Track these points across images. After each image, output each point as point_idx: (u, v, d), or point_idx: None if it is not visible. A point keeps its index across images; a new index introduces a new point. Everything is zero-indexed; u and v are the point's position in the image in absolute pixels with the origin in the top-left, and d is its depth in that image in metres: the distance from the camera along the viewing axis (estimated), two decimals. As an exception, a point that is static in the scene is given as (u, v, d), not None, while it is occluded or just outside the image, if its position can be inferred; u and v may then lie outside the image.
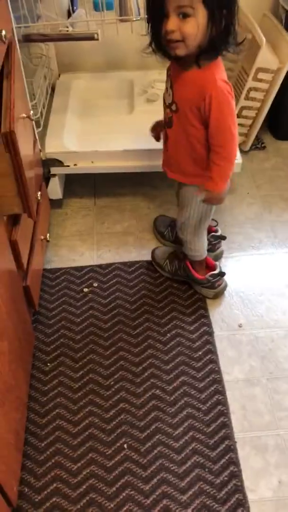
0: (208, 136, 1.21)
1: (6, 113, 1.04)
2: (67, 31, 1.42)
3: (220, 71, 1.16)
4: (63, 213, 1.87)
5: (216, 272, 1.52)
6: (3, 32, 1.06)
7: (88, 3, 1.55)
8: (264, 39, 1.74)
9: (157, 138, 1.45)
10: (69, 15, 1.47)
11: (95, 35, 1.40)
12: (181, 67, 1.17)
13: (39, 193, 1.42)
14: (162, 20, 1.07)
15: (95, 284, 1.60)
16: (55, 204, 1.84)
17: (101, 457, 1.21)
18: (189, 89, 1.17)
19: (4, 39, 1.07)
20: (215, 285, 1.53)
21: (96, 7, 1.51)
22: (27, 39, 1.45)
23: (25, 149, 1.16)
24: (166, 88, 1.25)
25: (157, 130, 1.43)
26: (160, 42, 1.12)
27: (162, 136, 1.37)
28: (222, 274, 1.54)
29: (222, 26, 1.07)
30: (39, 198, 1.42)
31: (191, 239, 1.47)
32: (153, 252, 1.65)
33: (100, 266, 1.66)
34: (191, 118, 1.20)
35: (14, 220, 1.24)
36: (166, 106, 1.26)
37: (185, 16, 1.04)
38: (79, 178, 1.92)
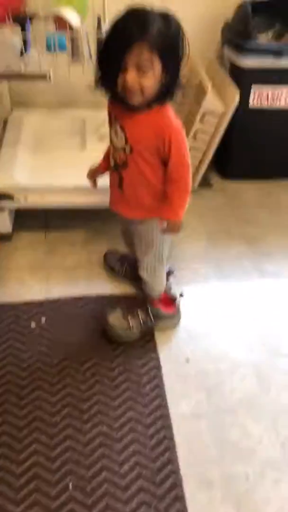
0: (166, 170, 1.26)
1: None
2: (20, 71, 1.45)
3: (170, 110, 1.22)
4: (12, 246, 1.86)
5: (178, 299, 1.58)
6: None
7: (40, 45, 1.59)
8: (209, 85, 1.85)
9: (95, 184, 1.50)
10: (21, 55, 1.51)
11: (48, 75, 1.44)
12: (131, 110, 1.21)
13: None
14: (117, 71, 1.11)
15: (43, 319, 1.59)
16: (4, 238, 1.84)
17: (45, 497, 1.18)
18: (146, 132, 1.21)
19: None
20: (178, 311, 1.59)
21: (48, 49, 1.56)
22: (-21, 76, 1.47)
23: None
24: (115, 131, 1.27)
25: (95, 176, 1.49)
26: (112, 88, 1.16)
27: (110, 179, 1.40)
28: (181, 294, 1.62)
29: (173, 77, 1.14)
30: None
31: (160, 273, 1.49)
32: (109, 325, 1.53)
33: (49, 300, 1.66)
34: (148, 158, 1.25)
35: None
36: (118, 149, 1.28)
37: (143, 69, 1.09)
38: (30, 211, 1.93)
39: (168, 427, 1.34)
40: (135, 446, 1.29)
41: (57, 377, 1.43)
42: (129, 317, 1.53)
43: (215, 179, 2.25)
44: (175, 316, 1.60)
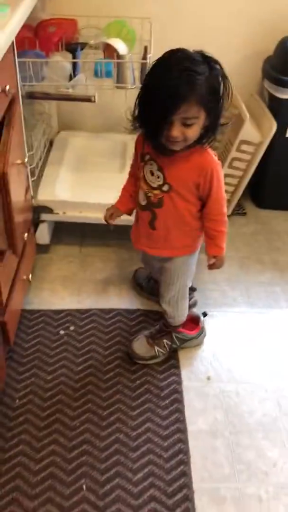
0: (205, 207, 1.31)
1: (0, 156, 1.14)
2: (67, 92, 1.56)
3: (208, 148, 1.25)
4: (48, 258, 1.94)
5: (202, 319, 1.62)
6: (7, 87, 1.18)
7: (89, 70, 1.71)
8: (247, 114, 1.91)
9: (113, 224, 1.51)
10: (70, 79, 1.63)
11: (92, 98, 1.54)
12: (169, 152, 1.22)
13: (26, 234, 1.50)
14: (162, 125, 1.12)
15: (72, 328, 1.65)
16: (42, 249, 1.93)
17: (59, 496, 1.22)
18: (187, 171, 1.25)
19: (7, 93, 1.19)
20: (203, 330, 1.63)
21: (96, 74, 1.67)
22: (31, 96, 1.59)
23: (16, 191, 1.26)
24: (151, 171, 1.28)
25: (113, 218, 1.49)
26: (155, 135, 1.17)
27: (139, 217, 1.40)
28: (204, 314, 1.66)
29: (214, 122, 1.17)
30: (25, 238, 1.49)
31: (182, 306, 1.52)
32: (135, 353, 1.55)
33: (78, 310, 1.72)
34: (186, 195, 1.29)
35: (-2, 257, 1.31)
36: (154, 188, 1.30)
37: (188, 124, 1.12)
38: (67, 226, 2.02)
39: (184, 441, 1.35)
40: (150, 456, 1.31)
41: (80, 383, 1.48)
42: (154, 344, 1.55)
43: (249, 208, 2.29)
44: (200, 336, 1.62)
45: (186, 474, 1.28)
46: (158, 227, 1.36)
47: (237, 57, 2.11)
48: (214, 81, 1.12)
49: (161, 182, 1.28)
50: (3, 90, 1.18)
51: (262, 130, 1.99)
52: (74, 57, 1.64)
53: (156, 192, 1.31)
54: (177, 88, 1.07)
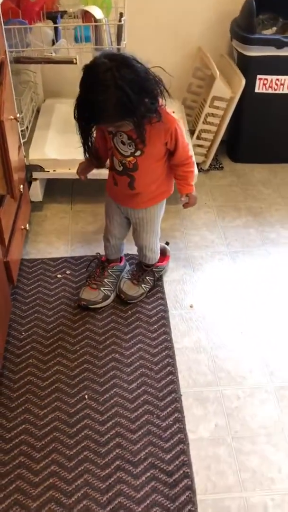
0: (174, 157, 1.47)
1: (-3, 108, 1.30)
2: (51, 56, 1.72)
3: (165, 108, 1.37)
4: (42, 215, 2.11)
5: (168, 250, 1.84)
6: (-2, 49, 1.34)
7: (69, 37, 1.86)
8: (218, 72, 2.08)
9: (86, 178, 1.65)
10: (53, 44, 1.78)
11: (74, 60, 1.70)
12: None
13: (21, 186, 1.67)
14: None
15: (68, 272, 1.84)
16: (36, 207, 2.10)
17: (65, 405, 1.41)
18: (153, 134, 1.38)
19: (-2, 53, 1.35)
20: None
21: (76, 40, 1.82)
22: (17, 61, 1.74)
23: (11, 144, 1.42)
24: (123, 142, 1.41)
25: (85, 173, 1.63)
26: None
27: (117, 181, 1.53)
28: (167, 243, 1.87)
29: (148, 107, 1.28)
30: (21, 190, 1.66)
31: (158, 245, 1.70)
32: (124, 294, 1.69)
33: (73, 257, 1.90)
34: (157, 154, 1.46)
35: (-1, 202, 1.48)
36: (127, 156, 1.43)
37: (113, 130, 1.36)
38: (58, 186, 2.19)
39: (172, 356, 1.55)
40: (142, 370, 1.51)
41: (78, 316, 1.67)
42: (139, 283, 1.73)
43: (226, 163, 2.46)
44: (168, 263, 1.85)
45: (174, 381, 1.48)
46: (137, 186, 1.51)
47: (207, 20, 2.25)
48: (129, 92, 1.20)
49: (133, 150, 1.42)
50: (-6, 51, 1.34)
51: (232, 87, 2.15)
52: (55, 24, 1.78)
53: (129, 159, 1.45)
54: (90, 113, 1.28)
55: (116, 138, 1.43)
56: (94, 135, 1.39)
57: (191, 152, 1.50)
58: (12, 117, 1.47)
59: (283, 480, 1.27)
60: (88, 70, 1.25)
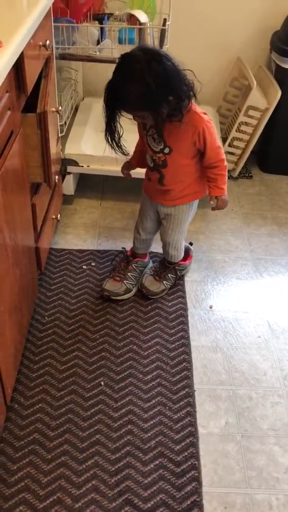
0: (204, 158, 1.50)
1: (42, 99, 1.37)
2: (95, 54, 1.78)
3: (196, 107, 1.44)
4: (72, 208, 2.18)
5: (191, 249, 1.88)
6: (47, 42, 1.41)
7: (114, 38, 1.92)
8: (255, 82, 2.12)
9: (130, 176, 1.74)
10: (98, 44, 1.85)
11: (116, 60, 1.75)
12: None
13: (57, 177, 1.73)
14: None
15: (93, 264, 1.89)
16: (67, 200, 2.16)
17: (81, 389, 1.46)
18: (182, 133, 1.44)
19: (47, 47, 1.41)
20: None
21: (120, 41, 1.89)
22: (63, 57, 1.81)
23: (51, 135, 1.48)
24: (154, 138, 1.48)
25: (128, 170, 1.73)
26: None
27: (150, 177, 1.61)
28: (191, 244, 1.91)
29: (174, 105, 1.33)
30: (56, 181, 1.72)
31: (182, 245, 1.75)
32: (146, 289, 1.74)
33: (98, 251, 1.96)
34: (186, 152, 1.50)
35: (35, 190, 1.54)
36: (157, 152, 1.50)
37: (137, 118, 1.40)
38: (90, 182, 2.25)
39: (188, 353, 1.58)
40: (158, 363, 1.55)
41: (100, 306, 1.72)
42: (161, 280, 1.77)
43: (255, 172, 2.50)
44: (191, 263, 1.89)
45: (188, 377, 1.51)
46: (167, 183, 1.57)
47: (248, 32, 2.30)
48: (152, 82, 1.26)
49: (162, 146, 1.48)
50: (44, 45, 1.41)
51: (268, 98, 2.19)
52: (101, 25, 1.85)
53: (159, 155, 1.51)
54: (113, 98, 1.36)
55: (149, 135, 1.49)
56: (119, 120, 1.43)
57: (223, 155, 1.54)
58: (54, 109, 1.53)
59: (288, 481, 1.29)
60: (123, 58, 1.34)
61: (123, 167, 1.74)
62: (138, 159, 1.67)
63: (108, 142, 1.48)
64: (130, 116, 1.42)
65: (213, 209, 1.65)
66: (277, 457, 1.33)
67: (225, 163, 1.56)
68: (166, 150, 1.49)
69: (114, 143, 1.48)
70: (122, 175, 1.77)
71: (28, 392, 1.44)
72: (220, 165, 1.55)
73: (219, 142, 1.54)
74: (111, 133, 1.45)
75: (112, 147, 1.49)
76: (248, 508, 1.23)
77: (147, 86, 1.26)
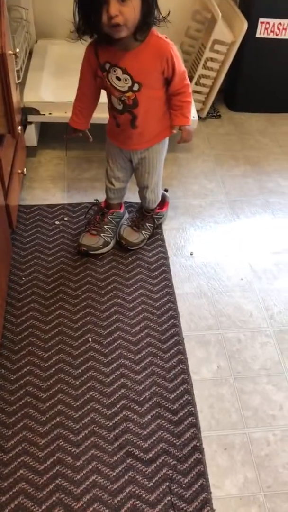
0: (171, 85, 1.39)
1: (-1, 39, 1.23)
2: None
3: (157, 33, 1.32)
4: (36, 161, 2.06)
5: (167, 196, 1.82)
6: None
7: None
8: (220, 14, 2.00)
9: (89, 138, 1.58)
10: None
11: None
12: (123, 49, 1.29)
13: (19, 127, 1.61)
14: (100, 8, 1.16)
15: (66, 219, 1.81)
16: (30, 152, 2.04)
17: (69, 347, 1.42)
18: (150, 61, 1.32)
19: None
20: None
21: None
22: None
23: (11, 80, 1.36)
24: (118, 77, 1.34)
25: (77, 135, 1.56)
26: (97, 29, 1.22)
27: (119, 121, 1.46)
28: (166, 190, 1.85)
29: (150, 4, 1.21)
30: (19, 131, 1.60)
31: (159, 188, 1.68)
32: (125, 240, 1.68)
33: (70, 204, 1.87)
34: (155, 84, 1.38)
35: (-1, 143, 1.43)
36: (125, 91, 1.36)
37: (124, 1, 1.16)
38: (52, 131, 2.13)
39: (173, 301, 1.56)
40: (145, 314, 1.52)
41: (79, 262, 1.66)
42: (140, 230, 1.72)
43: (223, 111, 2.42)
44: (167, 210, 1.84)
45: (176, 325, 1.49)
46: (139, 124, 1.45)
47: None
48: None
49: (130, 84, 1.35)
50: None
51: (234, 30, 2.09)
52: None
53: (128, 94, 1.37)
54: None
55: (111, 75, 1.35)
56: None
57: (188, 80, 1.43)
58: (11, 52, 1.40)
59: (284, 417, 1.31)
60: None
61: (69, 135, 1.57)
62: (84, 123, 1.52)
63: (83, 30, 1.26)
64: None
65: (178, 141, 1.54)
66: (271, 395, 1.35)
67: (190, 89, 1.45)
68: (135, 87, 1.36)
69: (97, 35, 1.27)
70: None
71: (14, 356, 1.39)
72: (186, 91, 1.43)
73: (183, 66, 1.42)
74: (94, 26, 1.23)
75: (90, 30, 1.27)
76: (247, 447, 1.25)
77: None
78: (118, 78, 1.36)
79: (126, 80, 1.35)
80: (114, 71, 1.34)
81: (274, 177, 2.08)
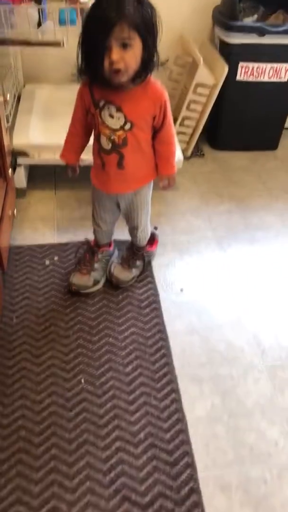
0: (160, 133, 1.43)
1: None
2: (37, 38, 1.69)
3: (154, 79, 1.37)
4: (26, 202, 2.09)
5: (156, 234, 1.84)
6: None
7: (55, 20, 1.83)
8: (201, 58, 2.09)
9: (76, 172, 1.60)
10: (38, 26, 1.74)
11: (61, 43, 1.67)
12: (121, 89, 1.32)
13: (10, 170, 1.64)
14: (103, 53, 1.20)
15: (56, 258, 1.82)
16: (20, 193, 2.06)
17: (61, 388, 1.41)
18: (144, 104, 1.36)
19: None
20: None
21: (61, 22, 1.79)
22: (1, 42, 1.70)
23: (2, 126, 1.40)
24: (111, 115, 1.36)
25: (73, 168, 1.59)
26: (98, 73, 1.25)
27: (105, 161, 1.46)
28: (155, 228, 1.87)
29: (151, 51, 1.25)
30: (10, 174, 1.63)
31: (148, 226, 1.70)
32: (115, 278, 1.70)
33: (60, 244, 1.89)
34: (145, 128, 1.41)
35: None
36: (116, 129, 1.38)
37: (125, 46, 1.19)
38: (41, 173, 2.16)
39: (165, 339, 1.56)
40: (137, 353, 1.51)
41: (69, 301, 1.66)
42: (130, 267, 1.73)
43: (207, 150, 2.49)
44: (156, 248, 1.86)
45: (168, 363, 1.49)
46: (127, 165, 1.45)
47: (189, 8, 2.26)
48: (146, 16, 1.20)
49: (122, 122, 1.37)
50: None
51: (215, 73, 2.17)
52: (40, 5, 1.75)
53: (119, 133, 1.39)
54: (109, 13, 1.16)
55: (104, 112, 1.37)
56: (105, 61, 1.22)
57: (174, 131, 1.48)
58: (1, 99, 1.44)
59: (279, 453, 1.31)
60: None
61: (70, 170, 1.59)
62: (75, 158, 1.55)
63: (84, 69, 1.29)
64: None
65: (165, 188, 1.58)
66: (266, 432, 1.35)
67: (175, 139, 1.50)
68: (127, 126, 1.38)
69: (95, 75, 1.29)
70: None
71: (6, 400, 1.37)
72: (173, 141, 1.48)
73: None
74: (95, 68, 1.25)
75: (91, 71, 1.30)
76: (245, 486, 1.24)
77: (145, 11, 1.19)
78: (111, 116, 1.37)
79: (119, 118, 1.37)
80: (108, 108, 1.36)
81: (258, 212, 2.13)
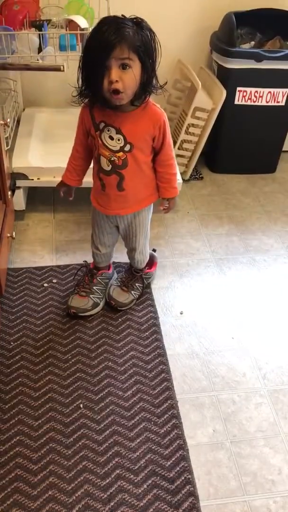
0: (160, 155, 1.45)
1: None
2: (38, 62, 1.71)
3: (152, 101, 1.39)
4: (25, 224, 2.08)
5: (155, 256, 1.83)
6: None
7: (55, 45, 1.85)
8: (200, 83, 2.12)
9: (71, 196, 1.62)
10: (39, 52, 1.77)
11: (61, 67, 1.69)
12: (119, 111, 1.34)
13: (9, 192, 1.64)
14: (102, 74, 1.22)
15: (54, 281, 1.80)
16: (18, 216, 2.06)
17: (60, 414, 1.38)
18: (143, 125, 1.36)
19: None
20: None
21: (61, 48, 1.82)
22: (3, 67, 1.72)
23: (2, 150, 1.40)
24: (111, 137, 1.37)
25: (66, 194, 1.62)
26: (98, 95, 1.28)
27: (105, 182, 1.47)
28: (154, 250, 1.87)
29: (150, 74, 1.28)
30: (9, 197, 1.63)
31: (147, 248, 1.69)
32: (114, 300, 1.68)
33: (59, 266, 1.87)
34: (145, 149, 1.43)
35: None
36: (116, 151, 1.39)
37: (124, 67, 1.21)
38: (40, 194, 2.16)
39: (165, 363, 1.54)
40: (137, 377, 1.49)
41: (68, 324, 1.64)
42: (129, 290, 1.72)
43: (205, 173, 2.50)
44: (156, 270, 1.85)
45: (169, 388, 1.46)
46: (126, 186, 1.46)
47: (186, 34, 2.30)
48: (143, 34, 1.23)
49: (122, 144, 1.38)
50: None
51: (213, 98, 2.20)
52: (40, 32, 1.77)
53: (119, 154, 1.40)
54: (108, 36, 1.18)
55: (104, 134, 1.38)
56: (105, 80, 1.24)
57: (173, 153, 1.49)
58: (2, 122, 1.45)
59: (283, 481, 1.27)
60: (104, 18, 1.24)
61: (60, 192, 1.61)
62: (76, 180, 1.56)
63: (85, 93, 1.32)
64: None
65: (166, 211, 1.59)
66: (269, 459, 1.32)
67: (175, 161, 1.51)
68: (127, 148, 1.39)
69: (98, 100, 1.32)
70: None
71: (3, 426, 1.34)
72: (173, 163, 1.50)
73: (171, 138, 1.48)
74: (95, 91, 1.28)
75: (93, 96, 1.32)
76: (248, 516, 1.20)
77: (141, 31, 1.22)
78: (111, 138, 1.38)
79: (119, 139, 1.38)
80: (108, 130, 1.37)
81: (258, 235, 2.12)
